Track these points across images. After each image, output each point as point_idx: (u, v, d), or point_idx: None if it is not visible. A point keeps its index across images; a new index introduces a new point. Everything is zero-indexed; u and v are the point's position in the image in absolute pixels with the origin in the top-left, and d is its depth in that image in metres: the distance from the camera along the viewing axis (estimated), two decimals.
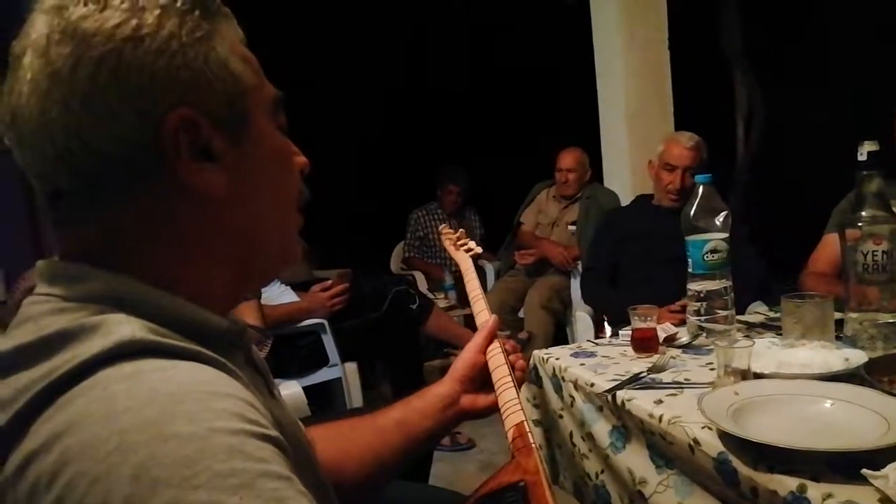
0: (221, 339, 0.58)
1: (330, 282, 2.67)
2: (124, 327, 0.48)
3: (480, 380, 0.94)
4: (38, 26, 0.52)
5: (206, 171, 0.55)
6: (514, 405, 0.79)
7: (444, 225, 1.62)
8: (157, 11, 0.52)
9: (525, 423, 0.74)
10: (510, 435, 0.74)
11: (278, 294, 2.63)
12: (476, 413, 0.93)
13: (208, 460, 0.41)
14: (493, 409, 0.88)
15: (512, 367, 0.92)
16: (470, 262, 1.31)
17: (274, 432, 0.47)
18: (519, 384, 0.89)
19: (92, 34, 0.50)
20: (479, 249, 1.36)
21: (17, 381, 0.47)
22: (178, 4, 0.53)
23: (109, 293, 0.52)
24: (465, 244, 1.39)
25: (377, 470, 0.89)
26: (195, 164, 0.54)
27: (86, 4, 0.51)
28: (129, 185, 0.53)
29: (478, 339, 0.96)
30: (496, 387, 0.87)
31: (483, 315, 1.02)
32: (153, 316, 0.52)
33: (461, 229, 1.47)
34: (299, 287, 2.73)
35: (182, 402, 0.44)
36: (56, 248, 0.58)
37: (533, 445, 0.69)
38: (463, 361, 0.95)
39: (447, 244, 1.44)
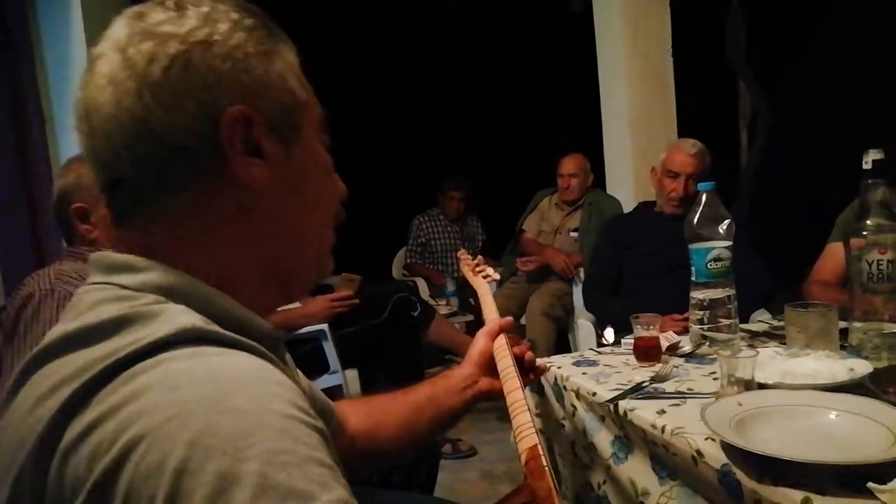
0: (265, 341, 0.60)
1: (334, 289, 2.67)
2: (185, 316, 0.51)
3: (495, 364, 1.07)
4: (118, 29, 0.57)
5: (255, 166, 0.58)
6: (528, 428, 0.82)
7: (461, 250, 1.68)
8: (227, 25, 0.58)
9: (539, 446, 0.76)
10: (524, 457, 0.75)
11: None
12: (495, 394, 1.06)
13: (262, 436, 0.43)
14: None
15: (521, 358, 1.08)
16: (487, 289, 1.37)
17: (320, 423, 0.49)
18: (537, 374, 1.17)
19: (169, 35, 0.56)
20: (496, 276, 1.40)
21: (78, 359, 0.49)
22: (247, 22, 0.59)
23: (165, 285, 0.55)
24: (483, 270, 1.43)
25: (409, 439, 1.05)
26: (246, 159, 0.58)
27: (165, 12, 0.57)
28: (186, 177, 0.57)
29: (488, 327, 1.12)
30: (502, 378, 1.00)
31: (499, 340, 1.11)
32: (205, 311, 0.54)
33: (479, 255, 1.55)
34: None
35: (241, 383, 0.46)
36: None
37: (547, 469, 0.70)
38: (478, 348, 1.10)
39: (465, 269, 1.50)
